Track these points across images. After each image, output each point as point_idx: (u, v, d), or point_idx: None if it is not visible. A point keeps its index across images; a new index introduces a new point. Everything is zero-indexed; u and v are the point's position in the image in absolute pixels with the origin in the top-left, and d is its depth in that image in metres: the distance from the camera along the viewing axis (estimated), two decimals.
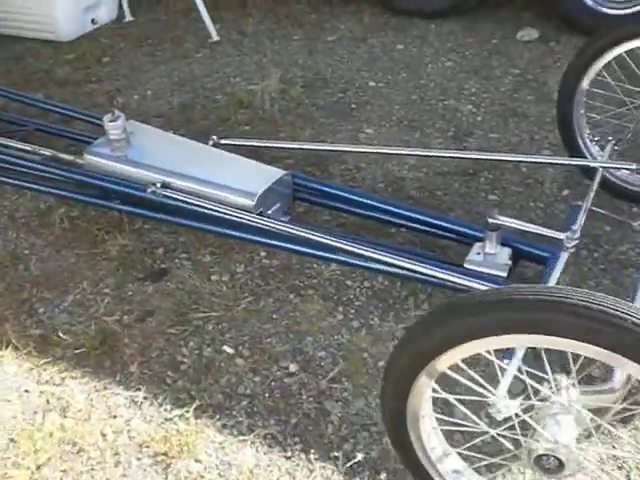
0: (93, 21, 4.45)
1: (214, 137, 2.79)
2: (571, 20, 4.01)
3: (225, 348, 2.24)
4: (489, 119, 3.34)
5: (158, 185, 2.51)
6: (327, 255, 2.37)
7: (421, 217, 2.47)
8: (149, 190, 2.50)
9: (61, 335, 2.31)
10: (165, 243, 2.69)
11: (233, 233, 2.50)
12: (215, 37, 4.24)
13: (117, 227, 2.75)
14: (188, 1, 4.70)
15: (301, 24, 4.38)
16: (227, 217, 2.45)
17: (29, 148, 2.99)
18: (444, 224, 2.42)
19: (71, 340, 2.29)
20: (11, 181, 2.88)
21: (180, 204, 2.50)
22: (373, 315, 2.34)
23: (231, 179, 2.54)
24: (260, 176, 2.57)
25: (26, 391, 2.15)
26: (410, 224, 2.50)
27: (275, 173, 2.58)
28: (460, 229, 2.39)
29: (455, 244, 2.43)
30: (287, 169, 2.63)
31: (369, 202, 2.58)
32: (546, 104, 3.41)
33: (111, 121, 2.69)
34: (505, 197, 2.84)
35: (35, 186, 2.83)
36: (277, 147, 2.87)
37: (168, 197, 2.50)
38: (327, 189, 2.65)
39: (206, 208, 2.46)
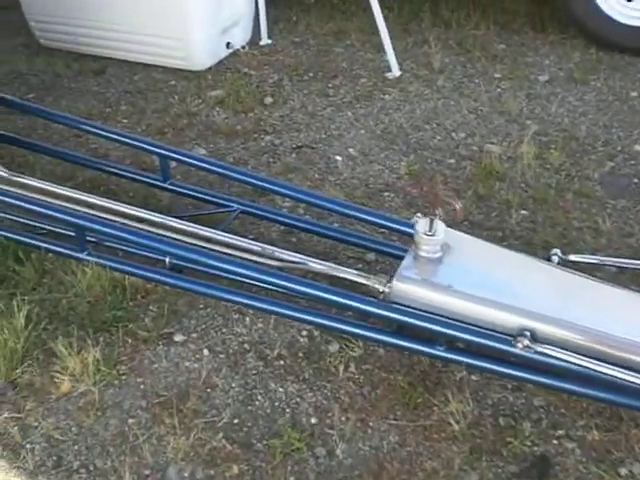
0: (228, 45, 3.64)
1: (557, 251, 2.09)
2: None
3: None
4: None
5: (527, 334, 1.78)
6: None
7: None
8: (520, 345, 1.78)
9: None
10: (517, 408, 1.94)
11: None
12: (397, 72, 3.46)
13: (437, 381, 1.98)
14: (338, 22, 3.95)
15: (495, 57, 3.65)
16: None
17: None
18: None
19: None
20: (267, 306, 2.10)
21: (566, 365, 1.78)
22: None
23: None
24: None
25: None
26: None
27: None
28: None
29: None
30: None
31: None
32: None
33: (428, 233, 1.93)
34: None
35: (303, 315, 2.06)
36: None
37: (547, 355, 1.78)
38: None
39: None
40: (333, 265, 2.16)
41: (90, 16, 3.52)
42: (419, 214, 2.40)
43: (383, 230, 2.45)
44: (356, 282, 2.04)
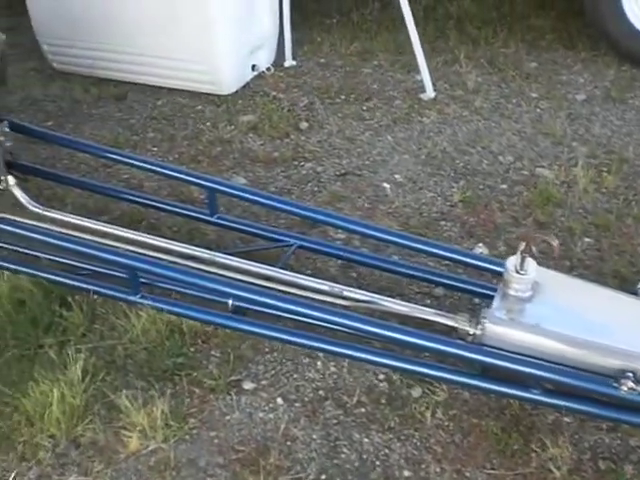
0: (254, 67, 3.55)
1: None
2: None
3: None
4: None
5: (630, 376, 1.72)
6: None
7: None
8: (625, 387, 1.72)
9: None
10: (615, 450, 1.87)
11: None
12: (431, 93, 3.40)
13: (531, 425, 1.90)
14: (362, 42, 3.88)
15: (529, 75, 3.60)
16: None
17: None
18: None
19: None
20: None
21: None
22: None
23: None
24: None
25: None
26: None
27: None
28: None
29: None
30: None
31: None
32: None
33: (520, 272, 1.86)
34: None
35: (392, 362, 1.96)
36: None
37: None
38: None
39: None
40: (408, 304, 2.07)
41: (110, 40, 3.41)
42: (480, 244, 2.33)
43: (447, 262, 2.38)
44: (442, 324, 1.95)
